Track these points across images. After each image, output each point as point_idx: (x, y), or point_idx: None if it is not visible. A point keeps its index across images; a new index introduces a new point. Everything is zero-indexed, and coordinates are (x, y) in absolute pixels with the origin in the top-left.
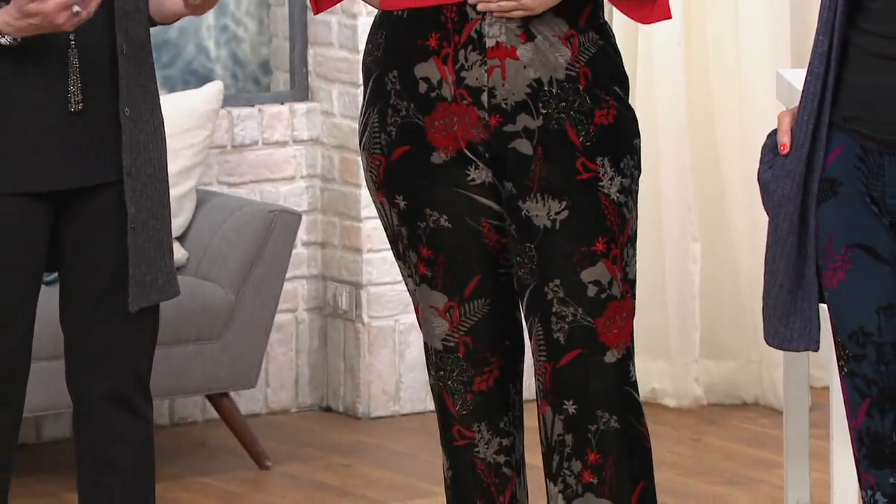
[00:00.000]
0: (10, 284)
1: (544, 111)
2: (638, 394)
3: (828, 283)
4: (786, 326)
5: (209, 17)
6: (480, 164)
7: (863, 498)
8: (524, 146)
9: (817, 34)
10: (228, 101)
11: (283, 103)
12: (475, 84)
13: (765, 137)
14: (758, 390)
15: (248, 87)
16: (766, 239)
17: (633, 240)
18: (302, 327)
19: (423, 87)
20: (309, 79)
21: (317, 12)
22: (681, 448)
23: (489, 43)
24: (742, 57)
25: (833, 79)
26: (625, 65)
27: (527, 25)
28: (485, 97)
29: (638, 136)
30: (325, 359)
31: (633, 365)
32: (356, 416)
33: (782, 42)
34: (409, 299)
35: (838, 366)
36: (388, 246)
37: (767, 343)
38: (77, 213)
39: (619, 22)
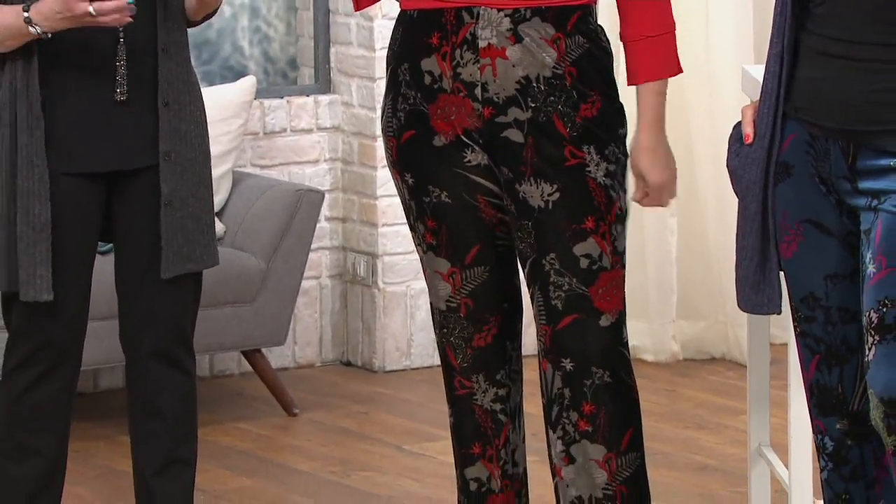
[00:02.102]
0: (69, 253)
1: (533, 105)
2: (628, 352)
3: (783, 253)
4: (757, 294)
5: (243, 19)
6: (477, 148)
7: (814, 441)
8: (515, 135)
9: (772, 35)
10: (260, 93)
11: (308, 95)
12: (469, 79)
13: (731, 126)
14: (725, 347)
15: (278, 81)
16: (733, 216)
17: (621, 217)
18: (325, 292)
19: (427, 80)
20: (331, 74)
21: (357, 9)
22: (656, 397)
23: (481, 44)
24: (711, 54)
25: (786, 75)
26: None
27: (515, 29)
28: (478, 91)
29: (624, 125)
30: (345, 320)
31: (626, 327)
32: (373, 370)
33: (746, 41)
34: (420, 268)
35: (793, 326)
36: (401, 220)
37: (741, 309)
38: (124, 191)
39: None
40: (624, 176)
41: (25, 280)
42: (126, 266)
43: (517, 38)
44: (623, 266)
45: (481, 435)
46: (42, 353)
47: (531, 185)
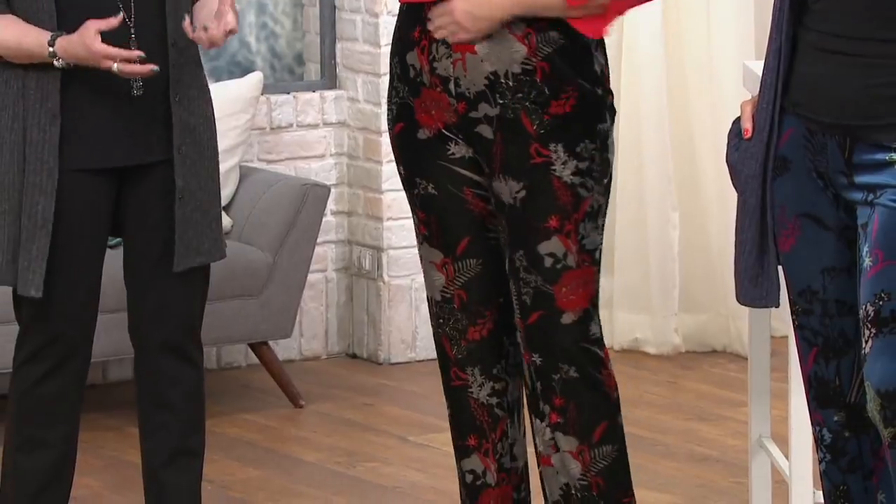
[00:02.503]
0: (79, 247)
1: (501, 101)
2: (600, 348)
3: (782, 247)
4: (755, 287)
5: (250, 15)
6: (460, 141)
7: (813, 433)
8: (486, 131)
9: (771, 31)
10: (267, 88)
11: (314, 91)
12: (444, 74)
13: (732, 121)
14: (726, 340)
15: (284, 76)
16: (734, 210)
17: (591, 215)
18: (331, 285)
19: (411, 73)
20: (337, 70)
21: None
22: (659, 389)
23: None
24: (713, 51)
25: (784, 70)
26: (611, 58)
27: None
28: (452, 86)
29: (604, 121)
30: (350, 312)
31: (595, 323)
32: (378, 362)
33: (747, 37)
34: None
35: (791, 319)
36: (406, 215)
37: (739, 302)
38: (136, 186)
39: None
40: (601, 172)
41: (21, 274)
42: (136, 259)
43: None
44: (594, 263)
45: (477, 428)
46: (50, 347)
47: (501, 182)
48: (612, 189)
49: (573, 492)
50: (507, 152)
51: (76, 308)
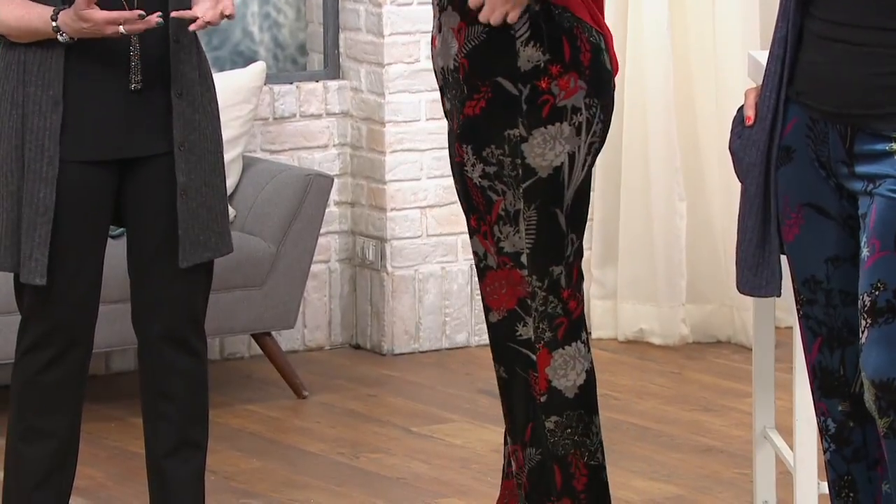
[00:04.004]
0: (80, 236)
1: (448, 96)
2: (531, 350)
3: (785, 237)
4: (756, 276)
5: (253, 5)
6: None
7: (818, 423)
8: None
9: (777, 20)
10: (270, 79)
11: (317, 81)
12: (437, 66)
13: (736, 110)
14: (731, 330)
15: (287, 66)
16: (737, 201)
17: (505, 219)
18: (334, 276)
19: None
20: (340, 59)
21: None
22: (663, 380)
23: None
24: (718, 40)
25: (790, 59)
26: (616, 48)
27: (440, 17)
28: (441, 78)
29: (515, 126)
30: (354, 303)
31: (526, 324)
32: (381, 353)
33: (752, 27)
34: (427, 252)
35: (796, 309)
36: (410, 205)
37: (740, 291)
38: (136, 178)
39: (610, 8)
40: (514, 178)
41: (23, 262)
42: (138, 251)
43: (439, 28)
44: (519, 267)
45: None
46: (51, 336)
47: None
48: (618, 178)
49: (518, 489)
50: (448, 146)
51: (77, 297)
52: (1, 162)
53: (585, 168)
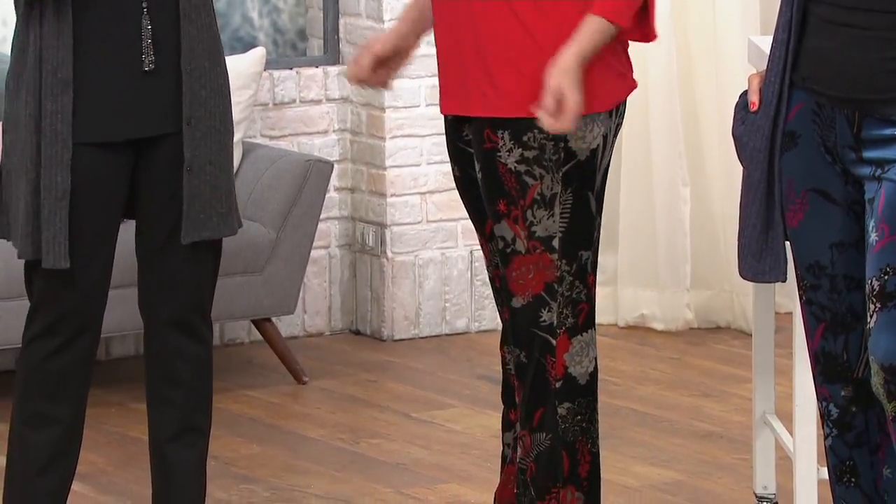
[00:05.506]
0: (95, 222)
1: None
2: (552, 335)
3: (789, 222)
4: (759, 262)
5: None
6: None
7: (819, 408)
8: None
9: (781, 4)
10: (270, 64)
11: (317, 66)
12: None
13: (737, 96)
14: (730, 316)
15: (287, 52)
16: (738, 186)
17: (540, 203)
18: (334, 261)
19: None
20: (340, 45)
21: None
22: (663, 366)
23: None
24: (718, 25)
25: (794, 44)
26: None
27: None
28: None
29: None
30: (354, 289)
31: (549, 310)
32: (381, 339)
33: (753, 12)
34: (427, 238)
35: (798, 294)
36: (409, 191)
37: (743, 277)
38: (149, 159)
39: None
40: (552, 160)
41: (46, 247)
42: (148, 234)
43: None
44: (548, 251)
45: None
46: (63, 323)
47: (474, 161)
48: (618, 163)
49: (519, 474)
50: (472, 134)
51: (91, 283)
52: (21, 151)
53: (610, 149)
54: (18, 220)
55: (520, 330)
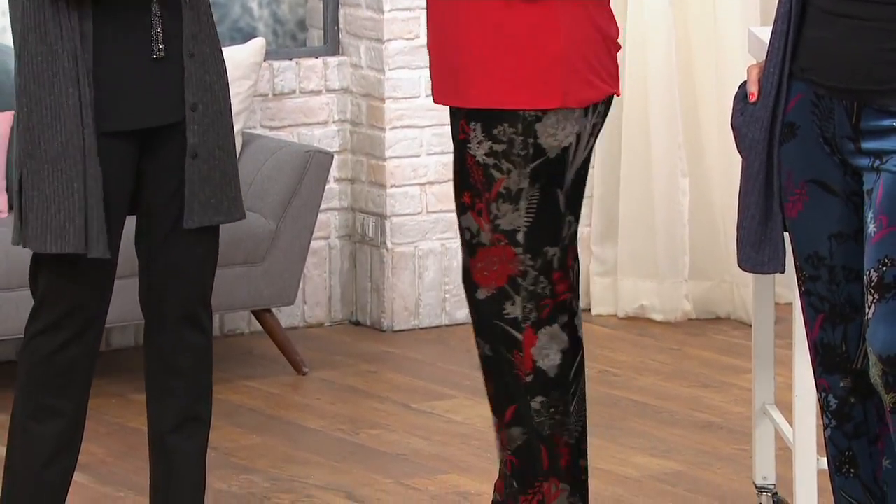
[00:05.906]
0: (107, 216)
1: None
2: (517, 329)
3: (788, 213)
4: (758, 253)
5: None
6: None
7: (818, 399)
8: None
9: None
10: (270, 55)
11: (317, 57)
12: None
13: (737, 87)
14: (730, 307)
15: (287, 42)
16: (737, 177)
17: (506, 197)
18: (334, 252)
19: None
20: (340, 36)
21: None
22: (663, 357)
23: None
24: (718, 16)
25: (793, 34)
26: (617, 23)
27: None
28: None
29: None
30: (354, 279)
31: (514, 304)
32: (381, 329)
33: (753, 3)
34: (427, 228)
35: (797, 285)
36: (409, 181)
37: (741, 268)
38: (154, 148)
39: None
40: (521, 156)
41: (91, 239)
42: (151, 222)
43: None
44: (513, 244)
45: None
46: (70, 318)
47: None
48: (618, 154)
49: (501, 466)
50: (451, 125)
51: (98, 277)
52: (66, 141)
53: (587, 149)
54: (55, 215)
55: (484, 322)
